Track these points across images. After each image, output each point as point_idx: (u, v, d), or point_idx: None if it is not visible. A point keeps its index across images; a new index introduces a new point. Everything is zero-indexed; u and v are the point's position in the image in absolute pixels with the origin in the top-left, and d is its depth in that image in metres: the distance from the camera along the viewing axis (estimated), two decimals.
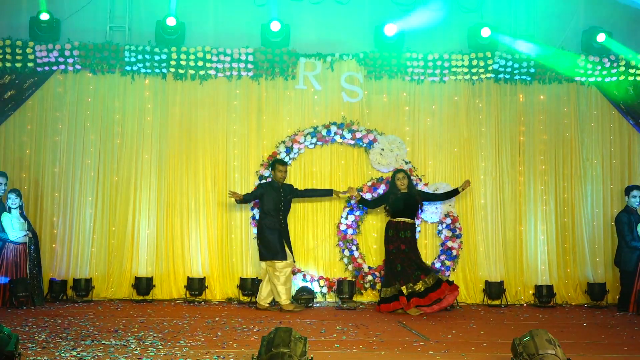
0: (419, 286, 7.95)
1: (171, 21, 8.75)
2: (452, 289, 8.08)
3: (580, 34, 9.31)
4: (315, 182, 9.14)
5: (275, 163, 8.48)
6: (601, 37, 8.99)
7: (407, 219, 8.29)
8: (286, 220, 8.40)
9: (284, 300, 8.13)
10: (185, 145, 9.10)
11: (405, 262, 8.11)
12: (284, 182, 8.48)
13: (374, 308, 8.37)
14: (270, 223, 8.25)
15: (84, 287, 8.66)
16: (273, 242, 8.20)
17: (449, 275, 8.95)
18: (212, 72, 9.08)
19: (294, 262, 8.48)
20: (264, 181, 8.75)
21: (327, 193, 8.68)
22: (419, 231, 9.04)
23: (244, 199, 8.45)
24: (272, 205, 8.28)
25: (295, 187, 8.63)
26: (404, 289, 7.99)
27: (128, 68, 9.01)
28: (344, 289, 8.75)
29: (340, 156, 9.21)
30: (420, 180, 9.09)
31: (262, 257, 8.27)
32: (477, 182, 9.22)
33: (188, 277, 8.83)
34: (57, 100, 9.05)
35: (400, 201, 8.28)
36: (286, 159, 8.99)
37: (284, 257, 8.18)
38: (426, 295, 7.91)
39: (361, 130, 9.08)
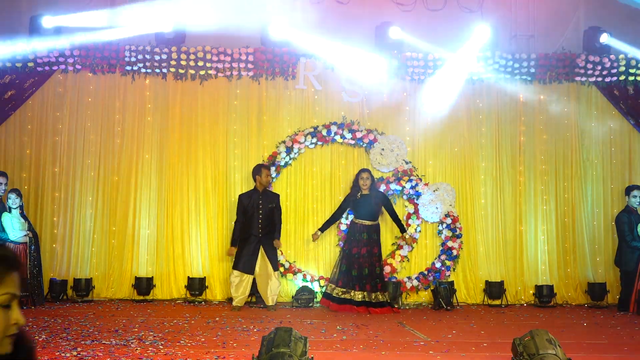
0: (371, 296, 8.08)
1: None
2: (395, 311, 8.17)
3: (580, 33, 9.30)
4: (315, 182, 9.14)
5: (260, 167, 8.44)
6: (604, 38, 8.99)
7: (365, 221, 8.29)
8: (267, 229, 8.33)
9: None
10: (186, 145, 9.09)
11: (361, 267, 8.16)
12: (267, 188, 8.49)
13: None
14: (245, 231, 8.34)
15: (84, 287, 8.66)
16: (238, 250, 8.34)
17: (449, 275, 8.96)
18: (212, 72, 9.08)
19: (276, 270, 8.43)
20: (241, 193, 8.65)
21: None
22: (419, 231, 9.05)
23: (236, 236, 8.38)
24: (249, 214, 8.31)
25: (280, 202, 8.54)
26: (358, 295, 8.07)
27: (128, 68, 9.01)
28: None
29: (341, 156, 9.21)
30: (421, 180, 9.09)
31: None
32: (478, 182, 9.22)
33: (188, 277, 8.83)
34: (58, 100, 9.05)
35: (359, 203, 8.30)
36: (286, 159, 9.00)
37: (235, 267, 8.29)
38: (369, 307, 8.03)
39: (361, 130, 9.08)
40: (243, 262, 8.26)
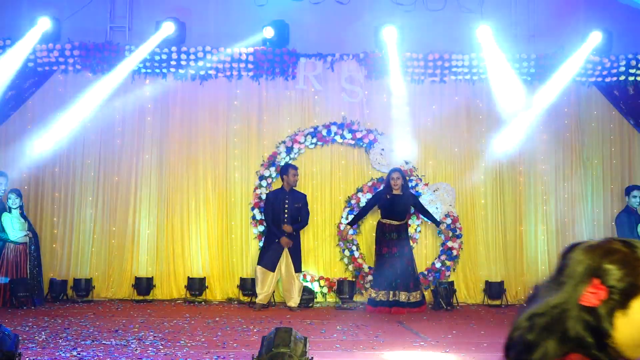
0: (404, 297, 8.04)
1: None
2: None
3: (580, 33, 9.29)
4: (315, 182, 9.14)
5: (287, 167, 8.48)
6: (604, 38, 8.98)
7: (394, 221, 8.29)
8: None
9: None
10: (186, 145, 9.09)
11: (396, 267, 8.13)
12: (295, 187, 8.50)
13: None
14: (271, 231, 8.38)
15: (84, 287, 8.66)
16: (264, 246, 8.43)
17: (449, 276, 8.96)
18: (212, 72, 9.08)
19: (299, 271, 8.47)
20: (269, 192, 8.71)
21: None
22: (419, 231, 9.04)
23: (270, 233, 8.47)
24: (276, 212, 8.35)
25: (307, 202, 8.58)
26: (401, 295, 8.06)
27: (128, 68, 9.00)
28: (344, 289, 8.74)
29: (341, 156, 9.21)
30: (421, 180, 9.09)
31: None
32: (478, 182, 9.22)
33: (188, 277, 8.82)
34: (58, 100, 9.05)
35: (390, 203, 8.28)
36: (287, 159, 9.01)
37: (260, 262, 8.33)
38: (405, 307, 8.02)
39: (361, 130, 9.08)
40: (267, 258, 8.27)
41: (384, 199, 8.32)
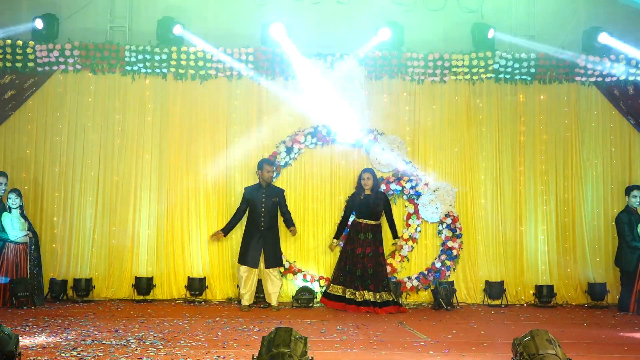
0: (369, 296, 8.10)
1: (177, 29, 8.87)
2: (401, 310, 8.18)
3: (580, 33, 9.30)
4: (315, 182, 9.14)
5: (262, 162, 8.50)
6: (604, 38, 8.98)
7: (369, 221, 8.30)
8: (270, 223, 8.37)
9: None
10: (186, 145, 9.09)
11: (366, 267, 8.17)
12: (271, 183, 8.53)
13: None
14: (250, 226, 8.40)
15: (84, 287, 8.66)
16: (243, 245, 8.42)
17: (449, 275, 8.96)
18: (212, 72, 9.08)
19: (282, 265, 8.57)
20: (247, 186, 8.72)
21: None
22: (419, 231, 9.04)
23: (230, 225, 8.53)
24: (253, 208, 8.38)
25: (284, 196, 8.59)
26: (364, 294, 8.10)
27: (128, 68, 9.01)
28: None
29: (341, 156, 9.20)
30: (421, 180, 9.09)
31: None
32: (478, 182, 9.22)
33: (188, 277, 8.82)
34: (58, 100, 9.05)
35: (362, 203, 8.33)
36: (287, 159, 9.01)
37: (242, 262, 8.31)
38: (369, 306, 8.08)
39: (361, 130, 9.08)
40: (249, 256, 8.27)
41: (358, 199, 8.39)
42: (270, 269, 8.33)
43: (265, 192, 8.38)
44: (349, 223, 8.68)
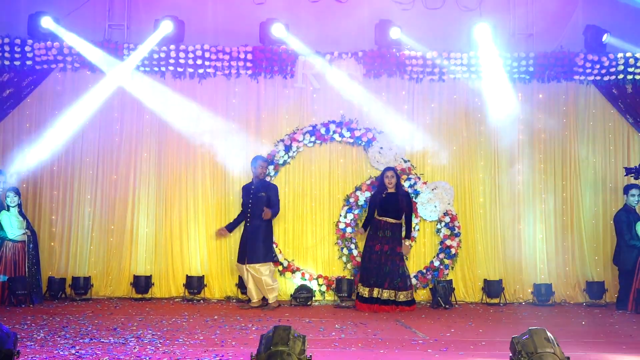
0: (391, 295, 8.04)
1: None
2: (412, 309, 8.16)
3: (579, 32, 9.30)
4: (314, 180, 9.14)
5: (255, 159, 8.47)
6: (603, 36, 8.99)
7: (390, 219, 8.28)
8: (254, 217, 8.27)
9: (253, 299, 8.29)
10: (184, 144, 9.08)
11: (386, 265, 8.12)
12: (264, 178, 8.50)
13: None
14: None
15: (82, 285, 8.66)
16: (241, 242, 8.39)
17: (447, 274, 8.97)
18: (210, 70, 9.08)
19: (275, 260, 8.56)
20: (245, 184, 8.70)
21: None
22: (418, 229, 9.05)
23: (234, 222, 8.53)
24: (243, 203, 8.42)
25: (277, 193, 8.48)
26: (385, 293, 8.04)
27: (128, 66, 8.98)
28: (343, 287, 8.74)
29: (339, 154, 9.21)
30: (419, 178, 9.09)
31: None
32: (476, 180, 9.23)
33: (187, 276, 8.82)
34: (56, 98, 9.04)
35: (385, 201, 8.28)
36: (285, 157, 9.01)
37: (240, 260, 8.30)
38: (391, 305, 8.02)
39: (360, 129, 9.08)
40: (239, 252, 8.34)
41: (380, 197, 8.34)
42: (250, 265, 8.15)
43: (254, 187, 8.36)
44: (347, 222, 8.71)
